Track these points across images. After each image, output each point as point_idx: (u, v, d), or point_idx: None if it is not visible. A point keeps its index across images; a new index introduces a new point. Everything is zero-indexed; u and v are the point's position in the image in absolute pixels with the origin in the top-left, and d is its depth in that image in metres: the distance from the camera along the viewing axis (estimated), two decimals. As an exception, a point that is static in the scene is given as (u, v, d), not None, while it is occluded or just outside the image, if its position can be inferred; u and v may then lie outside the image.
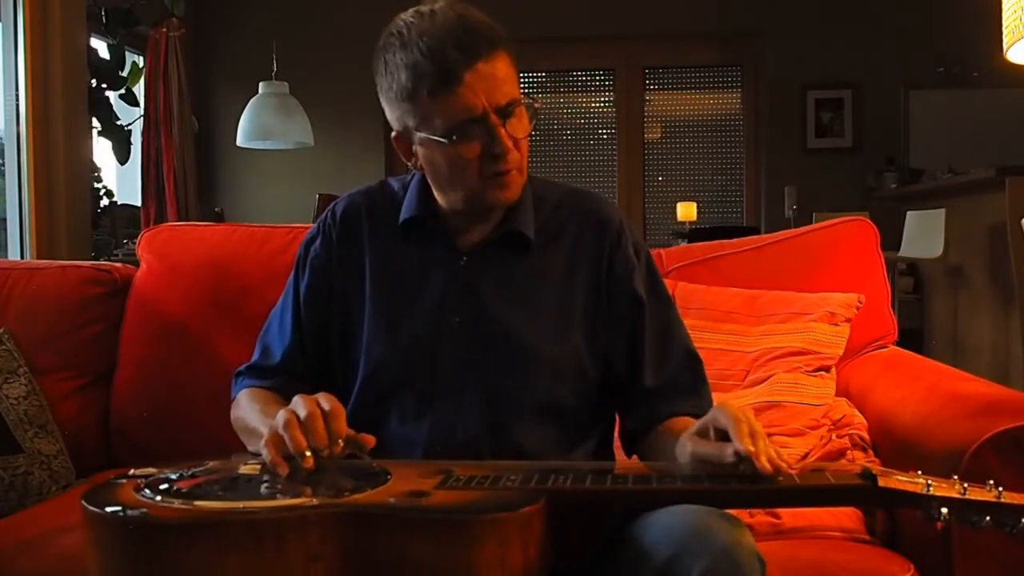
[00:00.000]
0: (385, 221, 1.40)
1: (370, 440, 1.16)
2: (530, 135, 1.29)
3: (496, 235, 1.36)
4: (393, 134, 1.33)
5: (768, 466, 1.04)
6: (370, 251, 1.39)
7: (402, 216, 1.38)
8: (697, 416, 1.24)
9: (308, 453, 1.10)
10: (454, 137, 1.24)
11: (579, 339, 1.35)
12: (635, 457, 1.39)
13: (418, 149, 1.30)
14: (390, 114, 1.31)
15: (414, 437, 1.31)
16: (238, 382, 1.46)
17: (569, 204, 1.41)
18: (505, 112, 1.25)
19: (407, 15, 1.26)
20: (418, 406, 1.32)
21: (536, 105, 1.32)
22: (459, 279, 1.34)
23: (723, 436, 1.10)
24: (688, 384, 1.37)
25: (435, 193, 1.36)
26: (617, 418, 1.43)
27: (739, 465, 1.06)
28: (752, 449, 1.05)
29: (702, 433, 1.14)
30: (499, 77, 1.24)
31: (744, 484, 1.07)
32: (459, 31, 1.22)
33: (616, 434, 1.44)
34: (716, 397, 1.72)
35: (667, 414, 1.33)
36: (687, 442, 1.15)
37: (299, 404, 1.15)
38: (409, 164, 1.34)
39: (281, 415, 1.14)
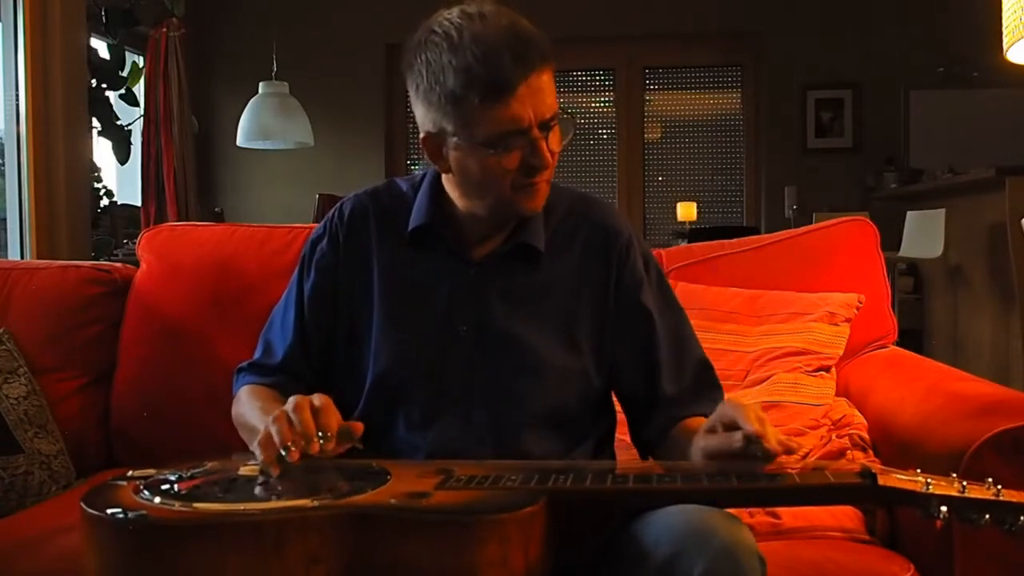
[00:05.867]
0: (393, 224, 1.38)
1: (359, 427, 1.15)
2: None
3: (506, 247, 1.35)
4: (423, 134, 1.30)
5: (777, 446, 1.06)
6: (378, 255, 1.38)
7: (412, 223, 1.36)
8: None
9: (294, 448, 1.09)
10: (498, 147, 1.22)
11: (586, 350, 1.35)
12: (637, 456, 1.39)
13: (450, 153, 1.28)
14: (424, 114, 1.28)
15: (420, 444, 1.31)
16: (239, 378, 1.46)
17: (578, 212, 1.40)
18: (548, 125, 1.24)
19: (453, 15, 1.23)
20: (424, 413, 1.32)
21: (575, 119, 1.31)
22: (468, 288, 1.34)
23: (729, 429, 1.11)
24: (703, 391, 1.38)
25: (457, 198, 1.34)
26: (628, 422, 1.43)
27: (748, 447, 1.07)
28: (760, 430, 1.06)
29: (711, 430, 1.15)
30: (546, 90, 1.23)
31: (744, 483, 1.07)
32: (514, 40, 1.20)
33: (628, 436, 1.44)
34: (717, 397, 1.74)
35: (682, 418, 1.34)
36: (699, 440, 1.16)
37: (291, 402, 1.15)
38: (434, 165, 1.33)
39: (274, 413, 1.14)
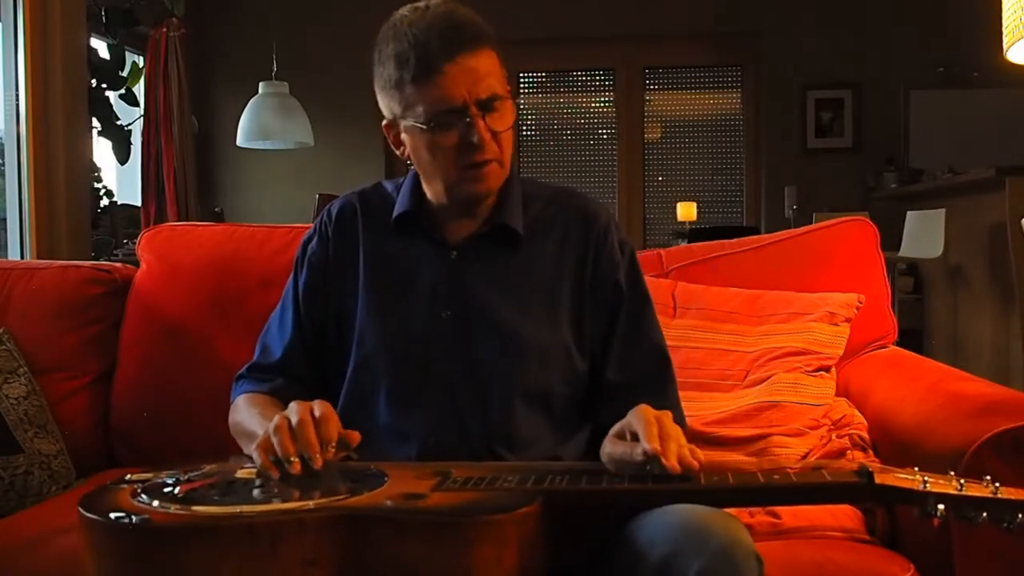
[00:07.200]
0: (379, 218, 1.43)
1: (355, 436, 1.16)
2: (519, 130, 1.31)
3: (485, 229, 1.39)
4: (384, 122, 1.38)
5: (676, 465, 1.06)
6: (364, 247, 1.42)
7: (395, 211, 1.41)
8: None
9: (295, 459, 1.11)
10: (433, 124, 1.28)
11: (567, 330, 1.37)
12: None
13: (404, 137, 1.35)
14: (381, 103, 1.36)
15: (407, 428, 1.33)
16: (237, 386, 1.47)
17: (557, 201, 1.45)
18: (486, 106, 1.29)
19: (404, 10, 1.32)
20: (410, 397, 1.34)
21: (519, 101, 1.35)
22: (449, 273, 1.37)
23: (637, 438, 1.11)
24: (653, 383, 1.38)
25: (423, 186, 1.40)
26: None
27: (646, 465, 1.07)
28: (659, 448, 1.06)
29: (620, 435, 1.16)
30: (480, 71, 1.28)
31: (741, 482, 1.07)
32: (445, 25, 1.27)
33: None
34: (716, 397, 1.74)
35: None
36: (606, 444, 1.17)
37: (292, 410, 1.16)
38: (397, 152, 1.38)
39: (275, 420, 1.15)
